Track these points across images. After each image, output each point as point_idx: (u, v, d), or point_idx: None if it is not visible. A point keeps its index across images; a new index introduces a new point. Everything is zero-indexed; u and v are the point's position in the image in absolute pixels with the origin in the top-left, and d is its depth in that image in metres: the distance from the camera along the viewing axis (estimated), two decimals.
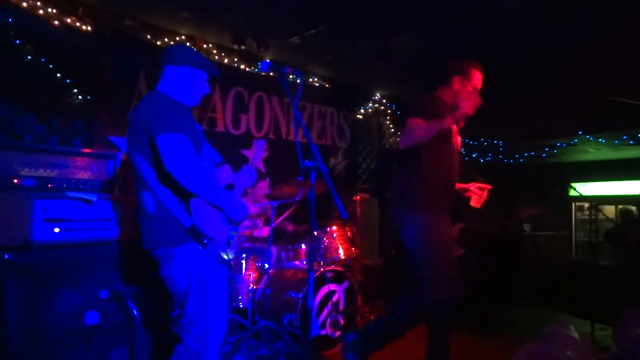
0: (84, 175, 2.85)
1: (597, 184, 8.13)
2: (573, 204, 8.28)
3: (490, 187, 2.99)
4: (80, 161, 2.86)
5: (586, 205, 7.73)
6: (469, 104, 2.54)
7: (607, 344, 3.52)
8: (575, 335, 2.01)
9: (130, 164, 2.10)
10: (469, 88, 2.76)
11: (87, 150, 3.07)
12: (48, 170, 2.69)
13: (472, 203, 2.94)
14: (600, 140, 6.79)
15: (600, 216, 6.02)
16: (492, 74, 2.85)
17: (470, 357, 3.24)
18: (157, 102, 2.06)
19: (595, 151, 7.57)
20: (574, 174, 7.99)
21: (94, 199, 2.55)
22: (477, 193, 2.96)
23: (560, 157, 7.77)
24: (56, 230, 2.37)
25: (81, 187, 2.77)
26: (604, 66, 4.84)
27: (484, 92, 2.78)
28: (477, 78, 2.80)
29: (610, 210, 7.71)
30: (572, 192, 7.72)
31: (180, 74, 2.17)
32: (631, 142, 6.71)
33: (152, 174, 2.01)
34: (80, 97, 3.79)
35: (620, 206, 6.96)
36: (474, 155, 7.50)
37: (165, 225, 2.00)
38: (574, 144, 6.69)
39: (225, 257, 2.03)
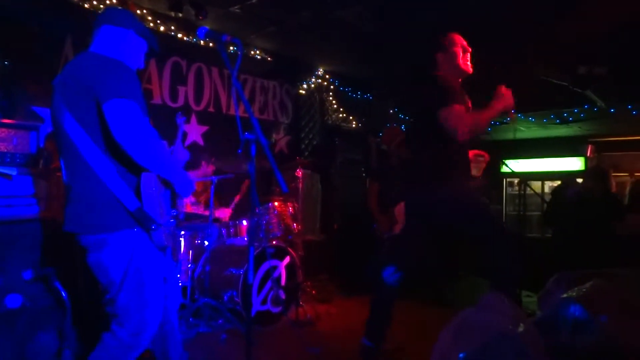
0: (2, 147, 2.62)
1: (526, 161, 8.60)
2: (504, 179, 8.74)
3: (487, 156, 3.09)
4: None
5: (516, 180, 8.19)
6: (465, 66, 2.74)
7: (533, 309, 3.78)
8: (507, 302, 2.11)
9: (58, 132, 1.84)
10: (457, 51, 2.77)
11: (6, 121, 2.82)
12: None
13: (473, 172, 3.04)
14: (530, 118, 7.14)
15: (528, 191, 6.39)
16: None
17: (415, 324, 3.37)
18: (106, 63, 1.81)
19: (525, 129, 7.98)
20: (506, 151, 8.39)
21: (14, 173, 2.36)
22: (475, 161, 3.03)
23: (493, 134, 8.12)
24: None
25: None
26: (534, 46, 5.05)
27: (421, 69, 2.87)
28: (457, 40, 2.81)
29: (537, 185, 8.22)
30: (503, 169, 8.11)
31: (123, 38, 1.95)
32: (557, 120, 7.12)
33: (92, 146, 1.76)
34: None
35: (550, 183, 7.38)
36: None
37: (100, 207, 1.78)
38: (506, 122, 6.99)
39: (165, 244, 1.92)
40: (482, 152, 3.10)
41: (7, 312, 2.23)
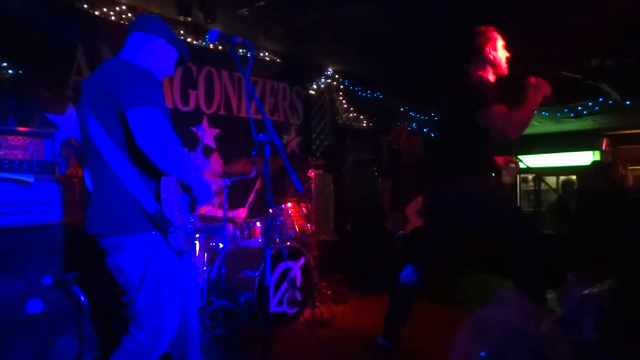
0: (19, 155, 2.65)
1: (540, 156, 8.50)
2: (518, 175, 8.65)
3: (517, 161, 3.00)
4: (14, 140, 2.65)
5: (530, 176, 8.10)
6: (501, 67, 2.68)
7: (552, 307, 3.73)
8: (524, 299, 2.09)
9: (83, 134, 1.86)
10: (491, 50, 2.67)
11: (21, 129, 2.85)
12: None
13: (505, 179, 2.97)
14: (544, 113, 7.06)
15: (543, 187, 6.32)
16: (446, 47, 2.82)
17: (423, 321, 3.34)
18: (130, 70, 1.83)
19: (539, 124, 7.88)
20: (519, 146, 8.29)
21: (31, 180, 2.38)
22: (505, 168, 2.96)
23: None
24: None
25: (16, 168, 2.56)
26: (548, 40, 4.99)
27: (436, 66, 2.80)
28: (493, 38, 2.69)
29: (552, 180, 8.13)
30: None
31: (153, 45, 1.98)
32: (572, 114, 7.02)
33: (114, 150, 1.79)
34: (10, 71, 3.50)
35: (562, 177, 7.28)
36: (425, 130, 7.63)
37: (120, 209, 1.81)
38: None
39: (183, 248, 1.92)
40: (511, 158, 2.99)
41: (28, 317, 2.25)
